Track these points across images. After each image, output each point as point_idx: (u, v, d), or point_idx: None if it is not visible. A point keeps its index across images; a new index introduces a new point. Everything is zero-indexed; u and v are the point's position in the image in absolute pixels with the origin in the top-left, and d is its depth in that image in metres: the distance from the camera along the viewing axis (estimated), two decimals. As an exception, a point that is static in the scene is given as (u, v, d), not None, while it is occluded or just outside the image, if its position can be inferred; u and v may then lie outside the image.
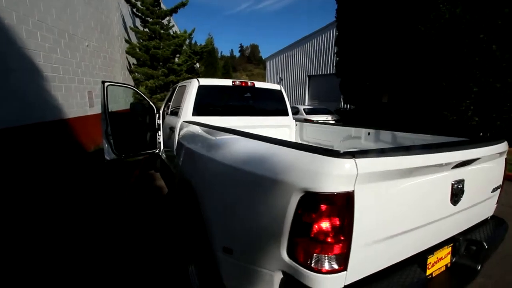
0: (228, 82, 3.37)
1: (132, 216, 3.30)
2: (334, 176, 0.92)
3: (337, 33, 10.39)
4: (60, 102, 5.40)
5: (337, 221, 0.96)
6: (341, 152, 0.96)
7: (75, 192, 4.02)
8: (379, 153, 1.00)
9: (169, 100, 4.56)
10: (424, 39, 7.10)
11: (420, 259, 1.29)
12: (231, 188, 1.30)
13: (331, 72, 16.86)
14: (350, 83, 9.61)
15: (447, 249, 1.42)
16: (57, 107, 5.33)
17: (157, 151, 4.71)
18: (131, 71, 9.23)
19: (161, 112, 4.62)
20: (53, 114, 5.25)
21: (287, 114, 3.82)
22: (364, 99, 9.72)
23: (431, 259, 1.33)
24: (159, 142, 4.70)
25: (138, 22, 9.76)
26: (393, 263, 1.19)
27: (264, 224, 1.12)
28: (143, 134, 4.53)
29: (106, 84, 3.89)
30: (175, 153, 3.09)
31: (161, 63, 9.19)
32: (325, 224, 0.96)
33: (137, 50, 8.77)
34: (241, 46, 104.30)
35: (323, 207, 0.95)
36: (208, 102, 3.25)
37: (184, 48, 10.00)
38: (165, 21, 9.57)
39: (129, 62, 9.22)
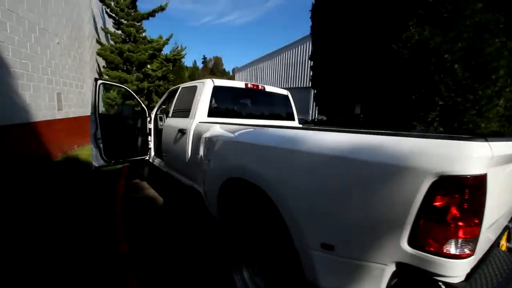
0: (241, 84, 3.29)
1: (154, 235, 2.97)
2: (472, 159, 0.94)
3: (311, 49, 10.96)
4: (27, 103, 4.74)
5: (472, 204, 0.97)
6: (473, 136, 0.99)
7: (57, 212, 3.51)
8: (507, 137, 1.06)
9: (167, 102, 4.31)
10: (396, 57, 7.75)
11: (496, 243, 1.36)
12: (332, 180, 1.23)
13: (301, 85, 17.63)
14: (324, 95, 10.10)
15: (505, 234, 1.52)
16: (24, 108, 4.67)
17: (146, 158, 4.38)
18: (100, 74, 8.55)
19: (152, 116, 4.35)
20: (20, 116, 4.58)
21: (293, 119, 3.86)
22: (338, 110, 10.27)
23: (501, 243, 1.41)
24: (150, 148, 4.38)
25: (109, 23, 9.17)
26: (487, 248, 1.24)
27: (379, 214, 1.08)
28: (134, 139, 4.20)
29: (98, 82, 3.55)
30: (190, 157, 2.89)
31: (134, 68, 8.69)
32: (460, 208, 0.96)
33: (109, 52, 8.18)
34: (205, 58, 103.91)
35: (460, 190, 0.95)
36: (221, 103, 3.13)
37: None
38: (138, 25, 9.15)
39: (98, 65, 8.55)
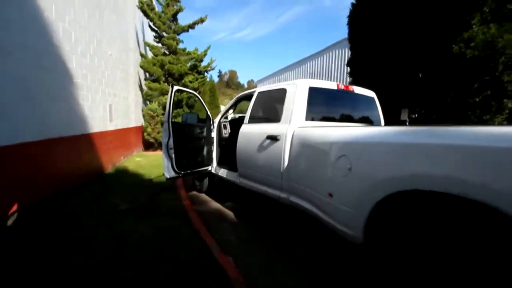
0: (332, 85, 2.97)
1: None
2: None
3: (350, 55, 10.63)
4: (86, 113, 4.63)
5: None
6: None
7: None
8: None
9: (233, 107, 4.05)
10: (455, 57, 7.18)
11: None
12: None
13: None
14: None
15: None
16: (83, 119, 4.56)
17: (210, 169, 4.09)
18: (141, 86, 8.56)
19: (215, 124, 4.08)
20: (80, 126, 4.47)
21: (380, 123, 3.48)
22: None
23: None
24: (212, 158, 4.10)
25: (149, 36, 9.27)
26: None
27: None
28: (201, 148, 3.93)
29: (174, 88, 3.33)
30: (287, 166, 2.55)
31: (174, 80, 8.64)
32: None
33: (151, 65, 8.19)
34: (220, 72, 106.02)
35: None
36: (315, 106, 2.80)
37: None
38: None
39: (139, 77, 8.57)
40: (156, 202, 3.90)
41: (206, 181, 4.41)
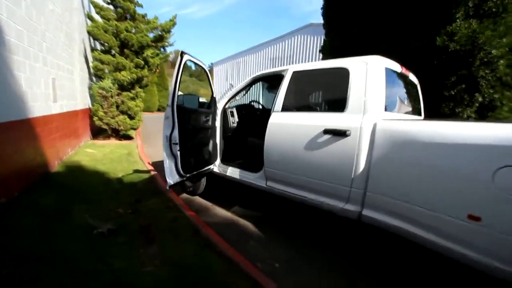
0: (397, 66, 2.38)
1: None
2: None
3: (323, 42, 10.36)
4: (24, 90, 3.21)
5: None
6: None
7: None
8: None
9: (245, 90, 3.19)
10: (436, 51, 7.34)
11: None
12: None
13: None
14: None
15: None
16: (21, 97, 3.14)
17: (212, 167, 3.24)
18: (86, 58, 6.79)
19: (219, 111, 3.20)
20: (16, 109, 3.07)
21: (420, 113, 3.09)
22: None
23: None
24: (216, 154, 3.24)
25: (96, -5, 7.33)
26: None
27: None
28: (206, 142, 3.04)
29: (185, 57, 2.35)
30: (365, 172, 1.92)
31: (132, 53, 7.07)
32: None
33: (103, 31, 6.48)
34: (164, 51, 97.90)
35: None
36: (387, 93, 2.19)
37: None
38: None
39: (84, 47, 6.76)
40: (144, 214, 2.89)
41: (203, 181, 3.51)
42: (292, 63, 17.26)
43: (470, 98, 5.74)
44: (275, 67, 18.67)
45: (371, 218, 1.98)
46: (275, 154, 2.52)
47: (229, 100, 3.26)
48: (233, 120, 3.30)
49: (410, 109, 2.70)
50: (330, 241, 2.60)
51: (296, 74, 2.58)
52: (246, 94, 3.50)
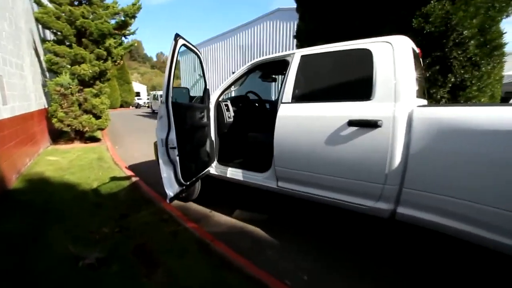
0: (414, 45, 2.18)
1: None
2: None
3: (297, 28, 10.11)
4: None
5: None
6: None
7: None
8: None
9: (242, 79, 2.84)
10: (413, 32, 7.42)
11: None
12: None
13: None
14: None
15: None
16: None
17: (209, 169, 2.89)
18: (36, 50, 5.83)
19: (212, 105, 2.83)
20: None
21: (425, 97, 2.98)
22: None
23: None
24: (213, 154, 2.89)
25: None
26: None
27: None
28: (203, 141, 2.67)
29: (179, 42, 1.94)
30: (403, 166, 1.71)
31: (91, 42, 6.22)
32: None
33: (54, 18, 5.56)
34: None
35: None
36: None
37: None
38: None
39: (32, 37, 5.79)
40: (136, 231, 2.46)
41: (197, 185, 3.13)
42: (263, 50, 16.87)
43: (444, 79, 5.87)
44: (245, 55, 18.18)
45: (409, 216, 1.79)
46: (289, 151, 2.23)
47: (223, 92, 2.87)
48: (229, 115, 2.93)
49: (422, 92, 2.56)
50: (352, 242, 2.41)
51: (305, 59, 2.28)
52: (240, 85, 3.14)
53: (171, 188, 2.10)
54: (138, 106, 29.74)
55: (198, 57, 2.62)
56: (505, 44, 4.50)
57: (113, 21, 6.50)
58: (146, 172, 4.37)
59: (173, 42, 1.95)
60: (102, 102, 6.45)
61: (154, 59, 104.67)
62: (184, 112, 2.23)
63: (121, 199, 3.23)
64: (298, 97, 2.24)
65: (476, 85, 4.84)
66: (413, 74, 1.83)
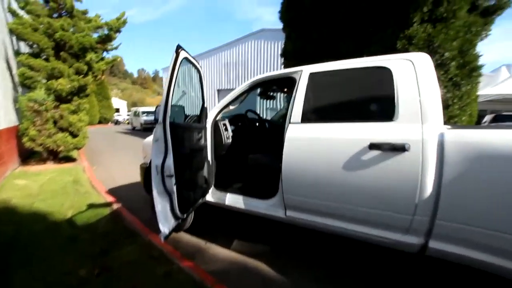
0: None
1: None
2: None
3: (283, 47, 10.18)
4: None
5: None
6: None
7: None
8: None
9: (241, 97, 2.63)
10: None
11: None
12: None
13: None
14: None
15: None
16: None
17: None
18: (8, 63, 5.36)
19: (208, 125, 2.59)
20: None
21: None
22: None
23: None
24: (211, 179, 2.61)
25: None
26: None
27: None
28: (201, 165, 2.39)
29: (181, 55, 1.71)
30: (436, 198, 1.52)
31: (71, 56, 5.83)
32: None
33: (31, 29, 5.17)
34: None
35: None
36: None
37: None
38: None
39: (5, 50, 5.33)
40: (119, 276, 2.08)
41: (190, 217, 2.80)
42: (247, 68, 16.98)
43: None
44: (229, 73, 18.22)
45: (443, 252, 1.59)
46: (300, 177, 1.99)
47: (220, 111, 2.63)
48: (227, 135, 2.68)
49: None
50: (371, 276, 2.17)
51: (314, 77, 2.11)
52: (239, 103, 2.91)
53: (166, 224, 1.78)
54: (117, 122, 28.78)
55: (199, 72, 2.39)
56: (482, 66, 4.68)
57: (95, 35, 6.18)
58: (129, 197, 3.96)
59: (174, 54, 1.71)
60: (80, 119, 5.99)
61: (135, 75, 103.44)
62: (182, 134, 1.96)
63: (101, 231, 2.81)
64: (309, 117, 2.04)
65: (458, 104, 4.95)
66: (438, 93, 1.69)
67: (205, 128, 2.48)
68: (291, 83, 2.24)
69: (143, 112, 18.95)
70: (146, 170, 3.12)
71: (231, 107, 2.71)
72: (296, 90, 2.15)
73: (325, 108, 2.06)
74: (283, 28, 10.31)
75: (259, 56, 16.50)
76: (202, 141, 2.38)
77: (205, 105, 2.48)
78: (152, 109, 21.40)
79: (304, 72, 2.16)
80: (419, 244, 1.67)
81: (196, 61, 2.18)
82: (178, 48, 1.74)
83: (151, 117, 18.00)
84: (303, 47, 9.27)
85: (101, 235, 2.73)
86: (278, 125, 4.00)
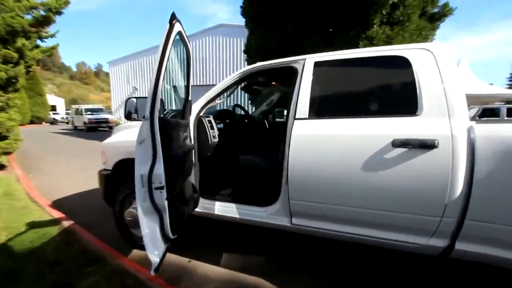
0: None
1: None
2: None
3: (246, 44, 9.87)
4: None
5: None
6: None
7: None
8: None
9: (230, 90, 2.29)
10: None
11: None
12: None
13: (200, 83, 15.97)
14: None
15: None
16: None
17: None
18: None
19: (191, 122, 2.22)
20: None
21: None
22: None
23: None
24: (197, 186, 2.24)
25: None
26: None
27: None
28: (189, 170, 2.00)
29: (176, 27, 1.32)
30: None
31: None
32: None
33: None
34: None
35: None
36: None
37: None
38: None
39: None
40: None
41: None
42: (205, 64, 16.32)
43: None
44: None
45: (471, 253, 1.50)
46: (311, 179, 1.75)
47: (206, 105, 2.24)
48: (213, 134, 2.30)
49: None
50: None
51: (319, 67, 1.88)
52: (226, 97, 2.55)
53: (155, 250, 1.37)
54: (54, 122, 25.43)
55: (187, 54, 1.97)
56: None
57: (29, 17, 5.11)
58: (82, 210, 3.30)
59: (168, 26, 1.30)
60: (11, 117, 4.91)
61: (74, 69, 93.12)
62: (173, 132, 1.55)
63: (51, 259, 2.20)
64: (318, 112, 1.81)
65: None
66: (462, 86, 1.60)
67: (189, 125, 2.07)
68: (291, 74, 1.98)
69: (87, 110, 16.95)
70: (107, 178, 2.56)
71: (218, 101, 2.33)
72: (300, 81, 1.89)
73: (336, 101, 1.85)
74: (246, 23, 10.04)
75: (217, 52, 15.99)
76: (189, 141, 1.98)
77: (190, 98, 2.07)
78: (97, 106, 19.19)
79: (308, 61, 1.91)
80: (443, 247, 1.56)
81: (188, 39, 1.77)
82: (173, 18, 1.33)
83: (97, 115, 16.22)
84: (267, 44, 9.12)
85: (52, 264, 2.13)
86: (270, 122, 3.71)
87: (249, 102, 11.58)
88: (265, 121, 3.42)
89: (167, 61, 1.38)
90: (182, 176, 1.66)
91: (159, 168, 1.31)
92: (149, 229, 1.35)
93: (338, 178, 1.66)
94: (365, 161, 1.59)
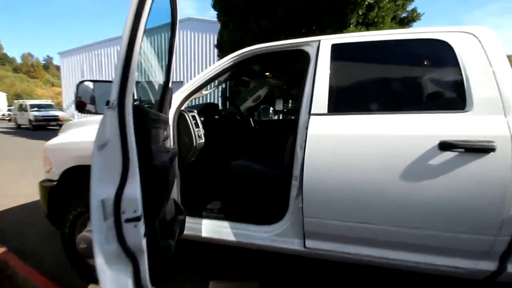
0: None
1: None
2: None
3: (218, 38, 9.41)
4: None
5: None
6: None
7: None
8: None
9: (217, 79, 1.86)
10: None
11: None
12: None
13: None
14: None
15: None
16: None
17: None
18: None
19: (170, 117, 1.74)
20: None
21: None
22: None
23: None
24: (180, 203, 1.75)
25: None
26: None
27: None
28: (171, 182, 1.51)
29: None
30: None
31: None
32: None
33: None
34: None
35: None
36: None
37: None
38: None
39: None
40: None
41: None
42: (174, 60, 15.35)
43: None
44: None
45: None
46: (335, 191, 1.37)
47: (188, 96, 1.75)
48: (199, 133, 1.82)
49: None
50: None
51: (340, 50, 1.51)
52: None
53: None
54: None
55: (174, 15, 1.47)
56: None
57: None
58: (18, 232, 2.58)
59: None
60: None
61: (19, 61, 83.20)
62: (150, 130, 1.05)
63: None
64: (341, 106, 1.44)
65: None
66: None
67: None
68: (302, 58, 1.60)
69: (33, 106, 14.93)
70: (51, 191, 1.94)
71: (204, 92, 1.86)
72: (315, 68, 1.51)
73: (364, 93, 1.50)
74: (218, 17, 9.47)
75: (186, 48, 15.12)
76: (169, 143, 1.49)
77: (170, 85, 1.58)
78: (46, 102, 16.98)
79: (323, 43, 1.54)
80: (491, 271, 1.30)
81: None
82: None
83: (45, 112, 14.38)
84: (241, 39, 8.64)
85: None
86: (265, 120, 3.28)
87: (219, 95, 10.78)
88: (251, 119, 3.00)
89: (149, 13, 0.90)
90: (167, 197, 1.17)
91: (133, 188, 0.82)
92: (116, 285, 0.85)
93: (372, 190, 1.31)
94: (406, 168, 1.26)
